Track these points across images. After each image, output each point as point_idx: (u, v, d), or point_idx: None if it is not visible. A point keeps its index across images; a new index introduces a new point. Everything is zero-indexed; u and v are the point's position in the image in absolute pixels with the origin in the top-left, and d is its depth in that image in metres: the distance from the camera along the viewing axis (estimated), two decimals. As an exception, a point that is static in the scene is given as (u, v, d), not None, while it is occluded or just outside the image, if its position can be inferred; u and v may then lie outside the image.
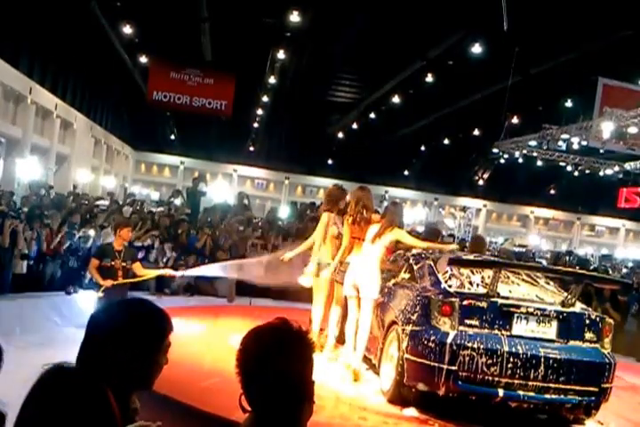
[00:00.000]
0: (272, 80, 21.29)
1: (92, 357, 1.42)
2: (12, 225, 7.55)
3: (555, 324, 4.49)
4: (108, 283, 5.47)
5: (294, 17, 15.12)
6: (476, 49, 15.60)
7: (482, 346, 4.27)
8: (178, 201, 13.98)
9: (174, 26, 17.52)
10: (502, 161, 25.24)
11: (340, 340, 5.62)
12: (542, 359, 4.30)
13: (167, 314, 1.52)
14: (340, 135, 29.48)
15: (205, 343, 5.96)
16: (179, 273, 5.92)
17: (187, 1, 15.74)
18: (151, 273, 5.92)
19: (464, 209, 25.56)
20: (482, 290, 4.68)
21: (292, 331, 1.41)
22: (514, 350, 4.29)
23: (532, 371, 4.28)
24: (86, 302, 6.45)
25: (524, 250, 19.56)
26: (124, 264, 5.57)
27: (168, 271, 5.88)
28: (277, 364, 1.36)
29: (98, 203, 12.85)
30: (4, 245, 7.54)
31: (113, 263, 5.54)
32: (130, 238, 5.96)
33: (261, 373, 1.37)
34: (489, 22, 13.74)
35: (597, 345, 4.54)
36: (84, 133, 22.83)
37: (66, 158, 21.50)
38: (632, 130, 15.72)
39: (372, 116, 25.03)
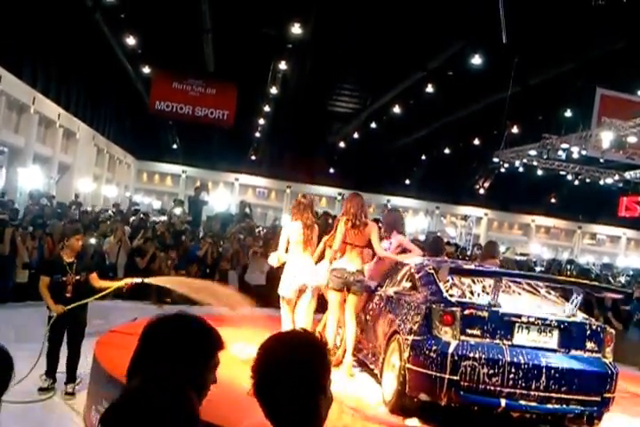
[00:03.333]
0: (274, 90, 21.43)
1: (142, 370, 1.43)
2: (13, 234, 7.55)
3: (556, 333, 4.49)
4: (60, 310, 4.82)
5: (295, 28, 15.27)
6: (476, 60, 15.72)
7: (483, 356, 4.27)
8: (178, 210, 14.04)
9: (177, 37, 17.68)
10: (503, 170, 25.28)
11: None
12: (544, 369, 4.30)
13: (218, 332, 1.56)
14: (342, 144, 29.59)
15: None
16: (138, 280, 5.22)
17: (189, 12, 15.89)
18: (109, 285, 5.18)
19: (465, 218, 25.59)
20: (483, 299, 4.70)
21: (316, 343, 1.43)
22: (515, 359, 4.29)
23: (534, 381, 4.27)
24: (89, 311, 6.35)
25: (525, 259, 19.53)
26: (77, 278, 4.95)
27: (127, 281, 5.13)
28: (304, 379, 1.37)
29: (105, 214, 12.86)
30: (4, 253, 7.55)
31: (64, 278, 4.92)
32: (80, 248, 5.20)
33: (286, 387, 1.37)
34: (488, 33, 13.85)
35: (599, 355, 4.54)
36: (87, 143, 22.95)
37: (68, 167, 21.60)
38: (631, 139, 15.78)
39: (373, 125, 25.14)
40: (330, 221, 8.28)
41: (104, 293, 5.07)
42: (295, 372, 1.37)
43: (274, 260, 5.62)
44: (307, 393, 1.38)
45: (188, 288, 5.37)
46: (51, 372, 4.91)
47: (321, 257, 5.92)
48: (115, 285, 5.08)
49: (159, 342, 1.46)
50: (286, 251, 5.54)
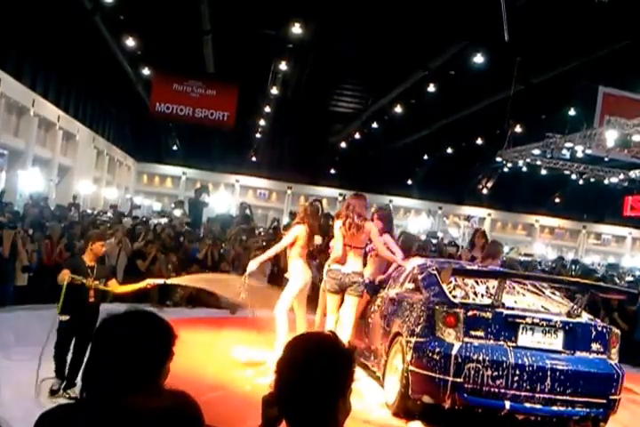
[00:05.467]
0: (274, 91, 21.39)
1: (103, 371, 1.44)
2: (13, 236, 7.50)
3: (561, 335, 4.42)
4: (66, 277, 4.74)
5: (296, 28, 15.22)
6: (478, 59, 15.62)
7: (487, 358, 4.21)
8: (178, 212, 13.99)
9: (177, 38, 17.65)
10: (506, 170, 25.19)
11: None
12: (549, 371, 4.24)
13: (170, 324, 1.57)
14: (343, 145, 29.53)
15: (207, 355, 5.89)
16: (160, 281, 5.23)
17: (189, 14, 15.85)
18: (132, 288, 5.14)
19: (468, 218, 25.48)
20: (487, 300, 4.62)
21: (341, 349, 1.41)
22: (520, 361, 4.23)
23: (539, 383, 4.22)
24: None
25: (529, 259, 19.46)
26: (96, 282, 4.90)
27: (149, 282, 5.05)
28: (323, 383, 1.35)
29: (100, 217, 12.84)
30: (4, 256, 7.51)
31: (85, 281, 4.84)
32: (102, 253, 5.22)
33: (307, 388, 1.35)
34: (490, 32, 13.78)
35: (604, 356, 4.47)
36: (87, 145, 22.95)
37: (68, 170, 21.60)
38: (636, 138, 15.63)
39: (375, 125, 25.06)
40: (330, 222, 8.25)
41: (129, 291, 5.08)
42: (316, 374, 1.35)
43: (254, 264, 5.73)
44: (325, 397, 1.35)
45: (212, 285, 5.37)
46: (60, 373, 4.83)
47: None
48: (138, 286, 5.05)
49: (115, 343, 1.45)
50: (284, 250, 5.50)
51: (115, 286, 5.11)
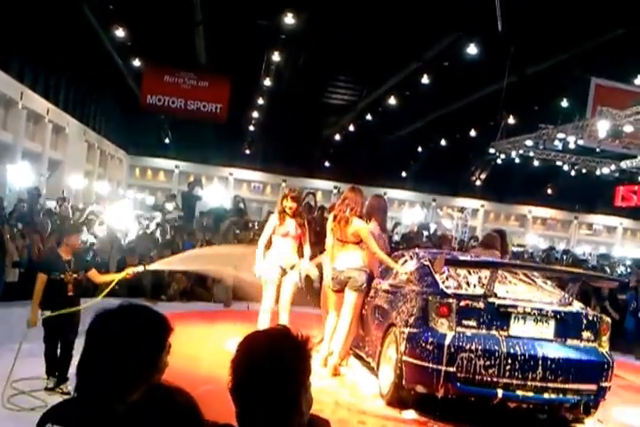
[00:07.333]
0: (267, 82, 21.25)
1: (98, 367, 1.44)
2: (1, 231, 7.44)
3: (552, 323, 4.46)
4: (34, 320, 4.61)
5: (289, 19, 15.09)
6: (472, 50, 15.57)
7: (480, 347, 4.25)
8: (169, 205, 13.89)
9: (168, 29, 17.45)
10: (499, 161, 25.23)
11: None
12: (540, 359, 4.28)
13: (165, 316, 1.57)
14: (337, 137, 29.45)
15: (202, 349, 5.90)
16: (140, 268, 5.06)
17: (180, 4, 15.69)
18: (112, 278, 5.04)
19: (462, 210, 25.54)
20: (479, 291, 4.65)
21: (292, 340, 1.39)
22: (512, 350, 4.27)
23: (531, 371, 4.26)
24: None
25: (521, 250, 19.57)
26: (75, 276, 4.82)
27: (129, 271, 4.89)
28: (284, 375, 1.35)
29: (91, 209, 12.74)
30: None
31: (62, 276, 4.76)
32: (79, 245, 5.11)
33: (257, 386, 1.34)
34: (484, 23, 13.74)
35: (595, 344, 4.52)
36: (77, 138, 22.70)
37: (58, 164, 21.36)
38: (627, 129, 15.69)
39: (369, 117, 25.00)
40: (325, 214, 8.26)
41: (109, 288, 4.91)
42: (275, 367, 1.34)
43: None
44: (287, 389, 1.34)
45: (193, 262, 5.33)
46: (52, 371, 4.77)
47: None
48: (117, 277, 4.93)
49: (108, 337, 1.45)
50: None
51: (95, 276, 5.01)
